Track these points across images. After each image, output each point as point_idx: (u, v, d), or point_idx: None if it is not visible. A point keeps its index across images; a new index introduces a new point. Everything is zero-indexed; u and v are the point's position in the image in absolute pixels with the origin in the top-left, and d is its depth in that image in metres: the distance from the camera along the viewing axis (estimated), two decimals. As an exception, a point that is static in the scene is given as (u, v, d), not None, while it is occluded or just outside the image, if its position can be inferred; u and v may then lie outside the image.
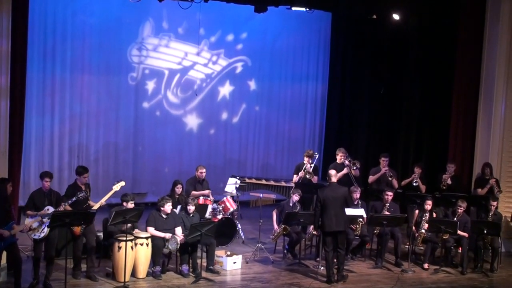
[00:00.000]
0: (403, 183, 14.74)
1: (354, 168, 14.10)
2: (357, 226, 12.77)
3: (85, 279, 11.13)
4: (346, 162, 14.13)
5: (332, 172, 11.99)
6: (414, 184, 14.45)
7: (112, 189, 11.60)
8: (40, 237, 10.55)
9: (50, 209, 10.61)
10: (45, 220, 10.49)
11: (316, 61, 18.72)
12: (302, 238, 13.05)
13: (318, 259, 12.71)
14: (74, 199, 10.89)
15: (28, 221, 10.53)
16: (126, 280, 10.95)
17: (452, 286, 11.94)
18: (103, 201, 11.40)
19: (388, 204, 13.07)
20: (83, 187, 11.36)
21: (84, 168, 11.60)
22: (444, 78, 16.03)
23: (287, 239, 12.98)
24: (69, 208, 10.83)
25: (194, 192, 13.54)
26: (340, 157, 14.24)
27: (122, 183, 11.78)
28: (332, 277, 11.60)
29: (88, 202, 11.31)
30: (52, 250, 10.82)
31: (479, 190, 14.21)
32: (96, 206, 11.28)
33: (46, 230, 10.49)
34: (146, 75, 16.91)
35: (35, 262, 10.70)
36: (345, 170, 14.01)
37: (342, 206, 11.57)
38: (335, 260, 11.75)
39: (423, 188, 14.42)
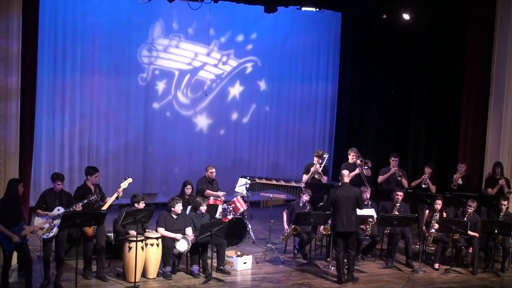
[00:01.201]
0: (413, 184, 14.66)
1: (366, 167, 14.06)
2: (367, 226, 12.76)
3: (95, 279, 11.17)
4: (358, 161, 14.11)
5: (345, 172, 11.99)
6: (423, 186, 14.38)
7: (120, 186, 11.59)
8: (48, 237, 10.59)
9: (61, 210, 10.63)
10: (55, 221, 10.53)
11: (326, 61, 18.70)
12: (313, 238, 13.02)
13: (328, 259, 12.70)
14: (85, 201, 10.91)
15: (38, 222, 10.57)
16: (137, 280, 10.96)
17: (462, 286, 11.92)
18: (112, 199, 11.40)
19: (398, 204, 13.04)
20: (92, 188, 11.37)
21: (94, 168, 11.62)
22: (454, 77, 15.99)
23: (297, 239, 13.00)
24: (80, 208, 10.85)
25: (208, 191, 13.56)
26: (352, 157, 14.21)
27: (130, 180, 11.75)
28: (343, 277, 11.60)
29: (99, 202, 11.35)
30: (62, 251, 10.84)
31: (490, 190, 14.17)
32: (106, 206, 11.30)
33: (55, 230, 10.54)
34: (156, 75, 16.92)
35: (45, 262, 10.73)
36: (357, 171, 13.97)
37: (353, 206, 11.58)
38: (345, 260, 11.75)
39: (433, 188, 14.37)
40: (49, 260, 10.76)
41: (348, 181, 11.88)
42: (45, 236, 10.57)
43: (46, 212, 10.63)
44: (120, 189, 11.46)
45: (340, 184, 11.95)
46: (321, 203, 13.08)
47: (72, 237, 11.23)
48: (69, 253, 11.56)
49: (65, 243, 10.99)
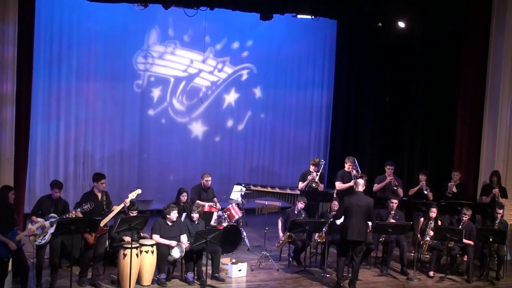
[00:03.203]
0: (410, 192, 14.58)
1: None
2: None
3: (89, 286, 11.13)
4: (354, 172, 14.09)
5: (360, 181, 11.92)
6: (425, 192, 14.33)
7: (127, 197, 11.51)
8: (41, 243, 10.56)
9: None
10: (48, 228, 10.49)
11: (322, 68, 18.68)
12: (308, 246, 13.02)
13: (323, 266, 12.69)
14: (78, 209, 10.86)
15: (32, 227, 10.53)
16: (131, 287, 10.94)
17: (457, 294, 11.96)
18: (118, 209, 11.35)
19: (393, 212, 13.04)
20: (99, 195, 11.29)
21: (100, 175, 11.48)
22: (449, 85, 16.01)
23: (292, 247, 12.98)
24: (79, 214, 10.83)
25: (198, 202, 13.51)
26: (348, 166, 14.20)
27: (139, 191, 11.65)
28: (340, 283, 11.59)
29: (106, 210, 11.32)
30: (56, 258, 10.82)
31: (484, 198, 14.19)
32: (111, 215, 11.23)
33: (47, 236, 10.51)
34: (151, 82, 16.92)
35: (37, 269, 10.70)
36: (351, 183, 13.87)
37: (365, 216, 11.56)
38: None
39: (430, 195, 14.37)
40: (42, 266, 10.72)
41: (362, 191, 11.85)
42: (37, 243, 10.53)
43: (39, 219, 10.60)
44: (128, 200, 11.39)
45: (335, 191, 11.95)
46: (333, 212, 12.96)
47: (65, 245, 11.23)
48: (64, 261, 11.59)
49: (59, 250, 10.95)
